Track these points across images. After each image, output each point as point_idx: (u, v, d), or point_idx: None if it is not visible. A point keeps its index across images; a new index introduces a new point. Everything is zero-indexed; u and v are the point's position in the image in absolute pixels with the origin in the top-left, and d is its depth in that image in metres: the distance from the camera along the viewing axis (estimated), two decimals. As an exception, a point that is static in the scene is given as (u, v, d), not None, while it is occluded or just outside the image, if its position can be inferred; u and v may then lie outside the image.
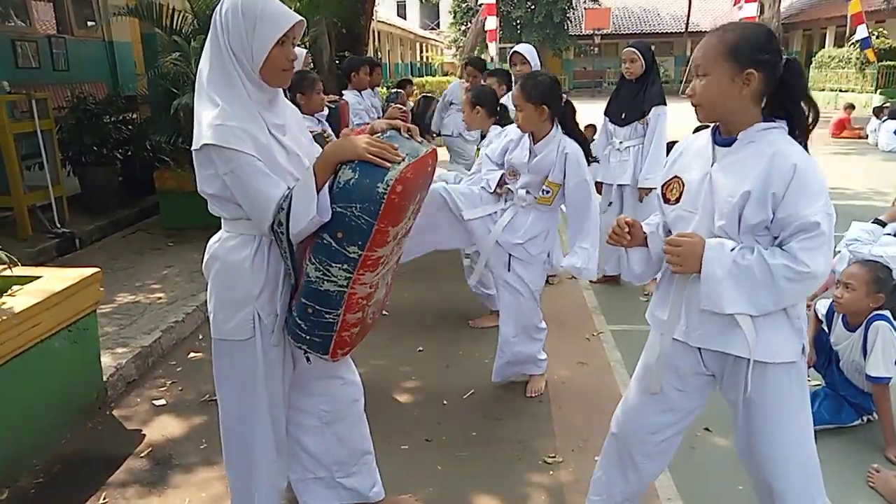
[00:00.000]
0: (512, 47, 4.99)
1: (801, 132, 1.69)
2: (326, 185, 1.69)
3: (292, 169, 1.80)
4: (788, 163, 1.60)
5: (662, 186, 1.88)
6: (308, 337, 1.81)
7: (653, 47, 4.67)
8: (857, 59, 20.06)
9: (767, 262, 1.61)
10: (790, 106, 1.69)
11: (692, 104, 1.74)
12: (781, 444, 1.78)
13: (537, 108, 2.84)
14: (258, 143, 1.71)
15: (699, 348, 1.81)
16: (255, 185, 1.70)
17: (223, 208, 1.82)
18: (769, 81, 1.65)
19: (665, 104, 4.41)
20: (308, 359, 1.93)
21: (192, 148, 1.74)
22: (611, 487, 2.10)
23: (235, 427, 2.00)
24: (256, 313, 1.85)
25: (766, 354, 1.71)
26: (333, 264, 1.70)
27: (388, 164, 1.66)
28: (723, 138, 1.74)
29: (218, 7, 1.75)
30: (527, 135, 2.98)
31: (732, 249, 1.66)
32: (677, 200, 1.81)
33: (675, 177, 1.83)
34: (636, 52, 4.40)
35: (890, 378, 2.72)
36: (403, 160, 1.68)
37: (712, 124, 1.78)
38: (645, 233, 1.92)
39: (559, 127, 2.95)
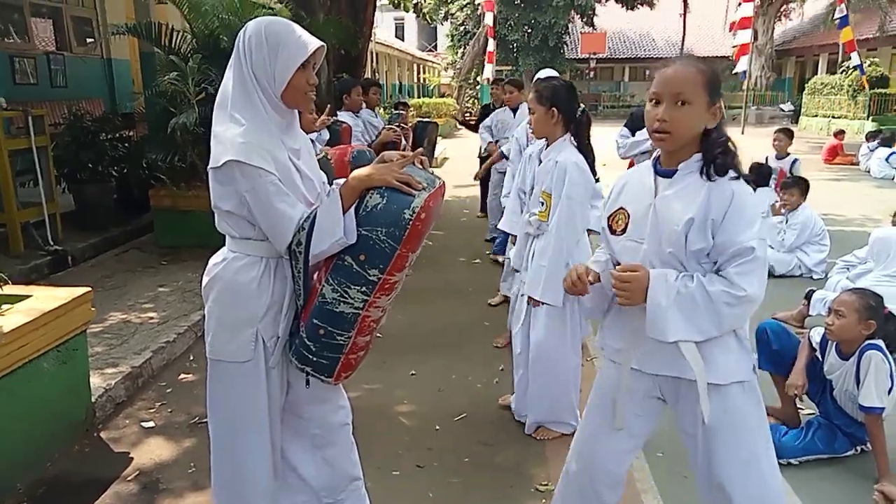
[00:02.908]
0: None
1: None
2: (352, 209, 1.74)
3: (306, 192, 1.84)
4: (727, 190, 1.67)
5: (608, 218, 1.90)
6: (315, 359, 1.83)
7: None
8: (850, 86, 20.26)
9: (707, 289, 1.66)
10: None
11: (656, 130, 1.71)
12: (740, 463, 1.78)
13: (548, 111, 2.87)
14: (279, 163, 1.76)
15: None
16: (275, 204, 1.74)
17: (235, 226, 1.84)
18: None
19: None
20: (308, 382, 1.93)
21: (211, 166, 1.77)
22: None
23: (229, 451, 1.97)
24: (259, 335, 1.86)
25: (720, 376, 1.74)
26: (352, 286, 1.74)
27: (415, 192, 1.72)
28: (664, 169, 1.78)
29: (241, 32, 1.81)
30: (543, 141, 2.99)
31: (676, 279, 1.69)
32: (623, 231, 1.84)
33: (621, 208, 1.86)
34: None
35: (883, 408, 2.71)
36: (425, 189, 1.74)
37: (654, 156, 1.82)
38: (597, 272, 1.91)
39: (571, 136, 2.93)
